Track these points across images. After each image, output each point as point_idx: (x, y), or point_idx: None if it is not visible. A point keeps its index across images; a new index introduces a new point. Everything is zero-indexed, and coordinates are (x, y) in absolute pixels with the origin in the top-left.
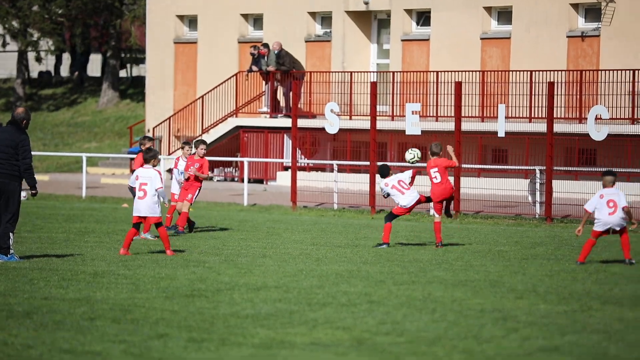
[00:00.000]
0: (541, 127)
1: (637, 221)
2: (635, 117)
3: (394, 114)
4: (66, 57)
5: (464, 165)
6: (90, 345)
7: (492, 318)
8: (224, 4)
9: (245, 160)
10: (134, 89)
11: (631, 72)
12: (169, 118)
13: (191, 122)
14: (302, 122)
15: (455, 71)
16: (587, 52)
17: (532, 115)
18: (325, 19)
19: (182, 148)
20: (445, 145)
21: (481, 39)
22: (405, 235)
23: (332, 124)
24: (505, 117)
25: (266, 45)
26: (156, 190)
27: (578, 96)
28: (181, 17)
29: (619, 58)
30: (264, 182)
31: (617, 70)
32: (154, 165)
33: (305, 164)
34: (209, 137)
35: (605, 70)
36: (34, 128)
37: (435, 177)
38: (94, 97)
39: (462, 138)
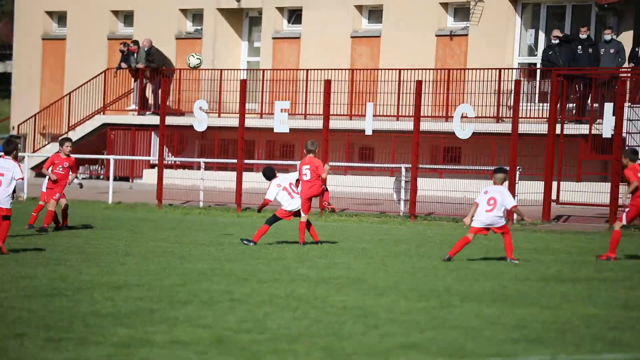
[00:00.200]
0: (408, 125)
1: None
2: (500, 115)
3: (263, 112)
4: None
5: (331, 163)
6: None
7: (353, 315)
8: (93, 0)
9: (112, 157)
10: (0, 86)
11: (497, 71)
12: (35, 115)
13: (57, 120)
14: (170, 120)
15: (325, 69)
16: (455, 51)
17: (400, 114)
18: (196, 16)
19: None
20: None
21: (351, 37)
22: (271, 233)
23: (200, 121)
24: (373, 116)
25: (136, 43)
26: (16, 180)
27: (445, 95)
28: (50, 14)
29: (485, 57)
30: (130, 180)
31: (484, 69)
32: (15, 158)
33: (173, 162)
34: (75, 135)
35: (472, 69)
36: None
37: (306, 174)
38: None
39: (330, 136)
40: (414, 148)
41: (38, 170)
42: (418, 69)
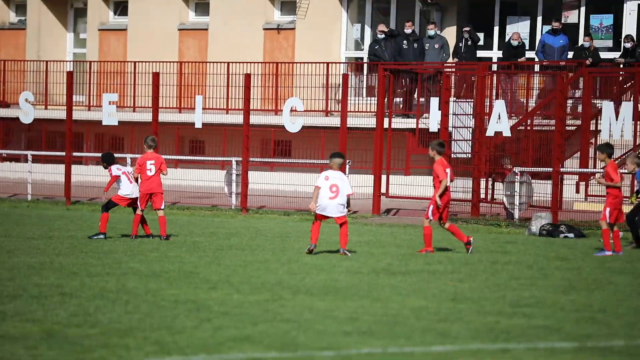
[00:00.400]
0: (238, 118)
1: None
2: (329, 109)
3: (91, 104)
4: None
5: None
6: None
7: (186, 309)
8: None
9: None
10: None
11: (325, 64)
12: None
13: None
14: None
15: (152, 62)
16: (282, 45)
17: (230, 107)
18: (20, 6)
19: None
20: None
21: (179, 30)
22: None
23: (26, 113)
24: (203, 109)
25: None
26: None
27: (274, 88)
28: None
29: (313, 51)
30: None
31: (311, 63)
32: None
33: None
34: None
35: (300, 62)
36: None
37: (150, 169)
38: None
39: (160, 129)
40: (244, 141)
41: None
42: (246, 63)
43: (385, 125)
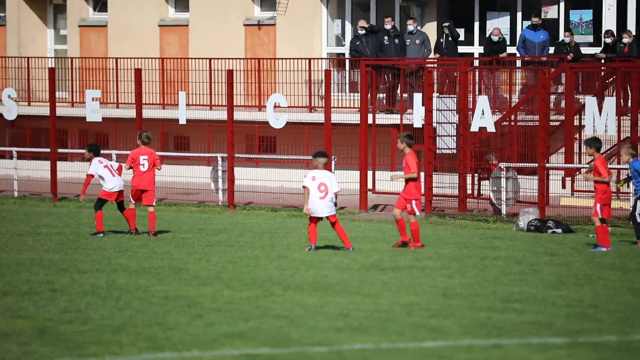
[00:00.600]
0: (222, 114)
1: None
2: (312, 105)
3: (74, 101)
4: None
5: None
6: None
7: (177, 305)
8: None
9: None
10: None
11: (307, 61)
12: None
13: None
14: None
15: (134, 58)
16: (264, 41)
17: (213, 103)
18: None
19: None
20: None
21: (159, 26)
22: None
23: (9, 110)
24: (186, 105)
25: None
26: None
27: (257, 84)
28: None
29: (294, 47)
30: None
31: (294, 59)
32: None
33: None
34: None
35: (282, 58)
36: None
37: (143, 164)
38: None
39: (144, 125)
40: (229, 137)
41: None
42: (228, 59)
43: (370, 121)
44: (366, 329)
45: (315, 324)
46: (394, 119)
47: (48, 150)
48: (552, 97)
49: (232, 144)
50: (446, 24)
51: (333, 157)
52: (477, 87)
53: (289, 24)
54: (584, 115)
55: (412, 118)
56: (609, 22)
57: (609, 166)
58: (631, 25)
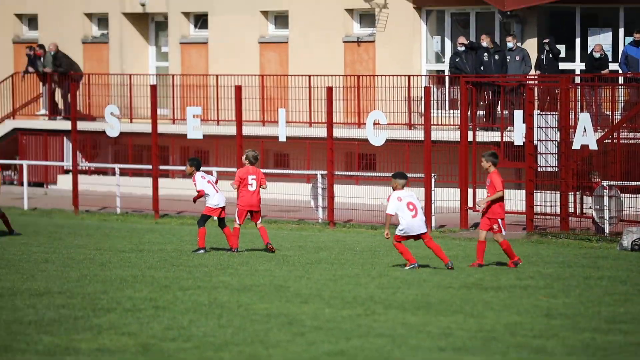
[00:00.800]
0: (321, 131)
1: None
2: (412, 122)
3: (175, 118)
4: None
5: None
6: None
7: (278, 323)
8: None
9: (25, 163)
10: None
11: (407, 77)
12: None
13: None
14: (82, 125)
15: (234, 75)
16: (363, 58)
17: (312, 120)
18: (102, 20)
19: None
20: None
21: (259, 42)
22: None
23: (112, 127)
24: (286, 122)
25: (42, 47)
26: None
27: (356, 101)
28: None
29: (393, 64)
30: (45, 186)
31: (393, 75)
32: None
33: (87, 168)
34: None
35: (381, 75)
36: None
37: (252, 184)
38: None
39: (244, 142)
40: (329, 155)
41: None
42: (328, 75)
43: (470, 138)
44: (469, 349)
45: (418, 343)
46: (494, 136)
47: (150, 167)
48: None
49: (331, 161)
50: (547, 41)
51: (433, 174)
52: (578, 104)
53: (388, 40)
54: None
55: (513, 135)
56: None
57: None
58: None
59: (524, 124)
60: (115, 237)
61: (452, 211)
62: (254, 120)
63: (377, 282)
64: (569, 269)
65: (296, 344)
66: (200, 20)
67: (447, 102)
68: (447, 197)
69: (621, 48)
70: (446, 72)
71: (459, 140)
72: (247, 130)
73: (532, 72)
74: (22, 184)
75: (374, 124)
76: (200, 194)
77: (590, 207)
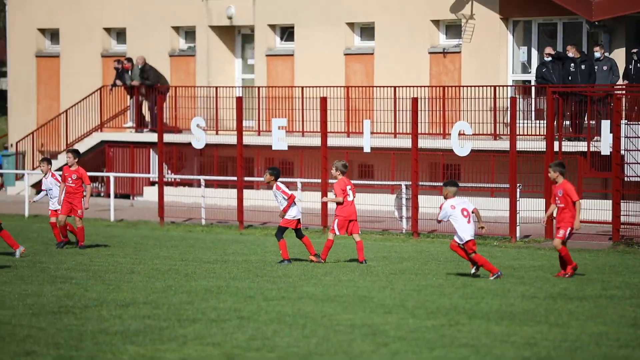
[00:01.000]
0: (406, 142)
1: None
2: (497, 132)
3: (260, 129)
4: None
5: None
6: None
7: (362, 333)
8: (86, 17)
9: (112, 175)
10: None
11: (492, 88)
12: (33, 132)
13: (55, 137)
14: (168, 137)
15: (320, 86)
16: (449, 69)
17: (397, 131)
18: (189, 33)
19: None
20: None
21: (345, 54)
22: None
23: (198, 139)
24: (371, 133)
25: (130, 60)
26: None
27: (441, 112)
28: (42, 31)
29: (479, 74)
30: (131, 198)
31: (479, 86)
32: None
33: (172, 179)
34: None
35: (466, 86)
36: None
37: (349, 194)
38: None
39: (329, 153)
40: (413, 165)
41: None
42: (413, 87)
43: (556, 148)
44: (554, 358)
45: (502, 353)
46: (580, 146)
47: (235, 178)
48: None
49: (416, 171)
50: (635, 50)
51: (518, 184)
52: None
53: (474, 51)
54: None
55: (600, 145)
56: None
57: None
58: None
59: (611, 134)
60: (200, 248)
61: (536, 221)
62: (339, 131)
63: (460, 292)
64: None
65: (380, 355)
66: (287, 33)
67: (533, 113)
68: (532, 207)
69: None
70: (532, 82)
71: (544, 150)
72: (331, 141)
73: (620, 81)
74: (108, 195)
75: (459, 134)
76: (291, 200)
77: None
